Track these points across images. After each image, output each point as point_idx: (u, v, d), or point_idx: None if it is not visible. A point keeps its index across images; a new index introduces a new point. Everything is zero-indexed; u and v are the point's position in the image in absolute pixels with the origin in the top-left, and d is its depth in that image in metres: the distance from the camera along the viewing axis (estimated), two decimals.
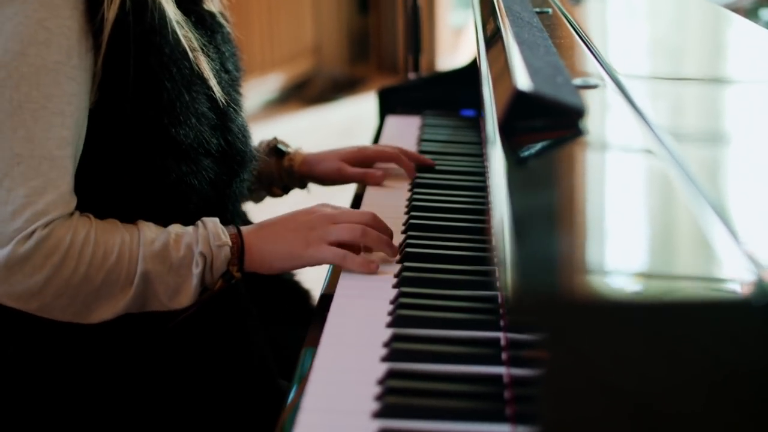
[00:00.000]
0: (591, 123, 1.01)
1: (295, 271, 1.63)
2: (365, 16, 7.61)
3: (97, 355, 1.28)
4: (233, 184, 1.37)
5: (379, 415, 0.95)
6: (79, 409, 1.28)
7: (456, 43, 7.51)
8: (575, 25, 1.65)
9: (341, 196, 1.69)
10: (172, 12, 1.26)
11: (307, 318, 1.26)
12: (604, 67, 1.31)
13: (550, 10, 1.76)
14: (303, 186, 1.72)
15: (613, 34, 1.85)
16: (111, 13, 1.17)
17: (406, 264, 1.30)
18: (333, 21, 7.14)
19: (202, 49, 1.31)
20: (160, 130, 1.23)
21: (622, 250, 0.71)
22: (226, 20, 1.48)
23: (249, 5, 6.05)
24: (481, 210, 1.51)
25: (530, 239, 0.71)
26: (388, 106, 2.25)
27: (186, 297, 1.24)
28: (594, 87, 1.16)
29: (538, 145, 0.97)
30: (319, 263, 1.30)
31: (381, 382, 1.01)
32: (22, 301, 1.17)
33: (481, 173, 1.72)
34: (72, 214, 1.19)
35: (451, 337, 1.11)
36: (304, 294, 1.67)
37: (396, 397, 0.98)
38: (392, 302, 1.21)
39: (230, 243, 1.26)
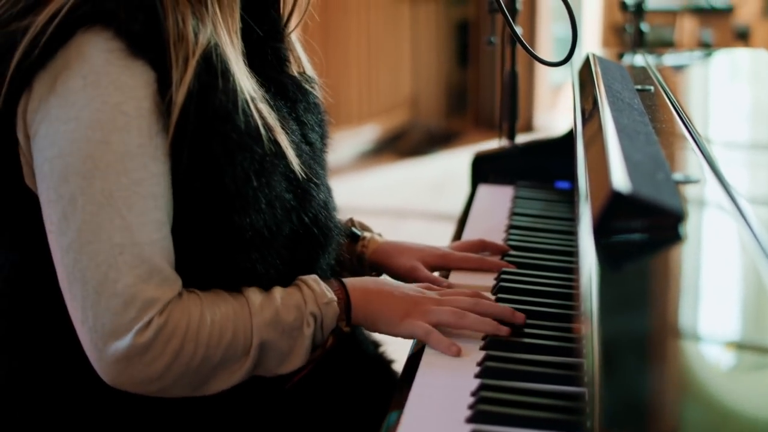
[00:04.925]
0: (690, 225, 0.95)
1: (381, 345, 1.60)
2: (464, 69, 7.62)
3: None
4: (314, 264, 1.33)
5: None
6: None
7: (554, 101, 7.46)
8: (677, 105, 1.60)
9: None
10: (249, 88, 1.21)
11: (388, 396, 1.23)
12: (705, 156, 1.26)
13: (652, 88, 1.71)
14: (376, 276, 1.62)
15: (715, 112, 1.79)
16: (179, 97, 1.13)
17: (490, 353, 1.26)
18: (431, 73, 7.16)
19: (281, 124, 1.27)
20: (224, 219, 1.19)
21: (720, 392, 0.65)
22: (312, 82, 1.44)
23: (348, 55, 6.10)
24: (573, 295, 1.45)
25: (620, 372, 0.66)
26: (481, 173, 2.21)
27: (298, 359, 1.24)
28: (695, 182, 1.10)
29: (634, 252, 0.91)
30: (410, 337, 1.32)
31: None
32: (142, 387, 1.16)
33: (573, 253, 1.66)
34: (181, 294, 1.18)
35: None
36: (387, 364, 1.62)
37: None
38: (473, 394, 1.16)
39: (336, 298, 1.28)
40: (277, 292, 1.24)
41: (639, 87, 1.70)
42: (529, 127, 6.89)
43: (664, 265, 0.91)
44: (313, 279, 1.28)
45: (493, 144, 2.37)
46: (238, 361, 1.20)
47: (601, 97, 1.40)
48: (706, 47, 7.67)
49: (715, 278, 0.89)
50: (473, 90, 7.45)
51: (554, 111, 7.39)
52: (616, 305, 0.80)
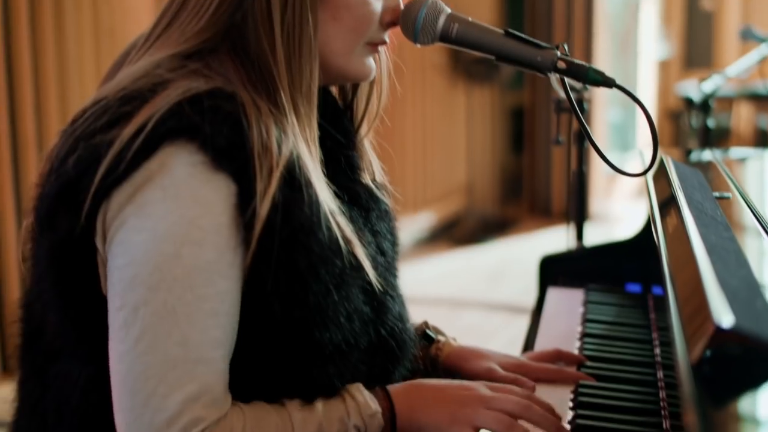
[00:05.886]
0: None
1: None
2: (518, 155, 7.63)
3: None
4: (390, 377, 1.31)
5: None
6: None
7: (609, 189, 7.42)
8: (757, 212, 1.56)
9: None
10: (329, 202, 1.21)
11: None
12: None
13: (730, 195, 1.68)
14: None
15: None
16: (263, 209, 1.12)
17: None
18: (486, 160, 7.16)
19: (358, 236, 1.26)
20: (304, 334, 1.17)
21: None
22: (383, 188, 1.43)
23: (404, 143, 6.13)
24: (654, 410, 1.42)
25: None
26: (550, 275, 2.18)
27: None
28: None
29: (738, 389, 0.88)
30: None
31: None
32: None
33: (650, 364, 1.62)
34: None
35: None
36: None
37: None
38: None
39: (380, 410, 1.24)
40: (321, 403, 1.22)
41: (717, 194, 1.67)
42: (584, 216, 6.85)
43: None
44: (356, 389, 1.25)
45: (549, 232, 2.35)
46: None
47: (683, 212, 1.37)
48: (763, 134, 7.61)
49: None
50: (528, 176, 7.44)
51: (609, 199, 7.36)
52: None
